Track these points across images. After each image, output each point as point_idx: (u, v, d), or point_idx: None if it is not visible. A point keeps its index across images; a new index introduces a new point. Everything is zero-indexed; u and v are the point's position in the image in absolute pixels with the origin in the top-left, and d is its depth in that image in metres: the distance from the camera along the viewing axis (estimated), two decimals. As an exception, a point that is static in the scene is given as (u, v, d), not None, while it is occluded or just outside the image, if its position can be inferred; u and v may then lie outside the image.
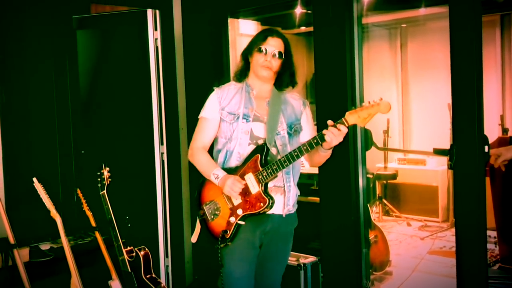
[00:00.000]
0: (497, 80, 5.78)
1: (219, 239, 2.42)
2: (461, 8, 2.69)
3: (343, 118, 2.25)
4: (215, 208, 2.46)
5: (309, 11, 5.12)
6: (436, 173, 5.74)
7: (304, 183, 4.38)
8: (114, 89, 4.02)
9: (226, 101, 2.50)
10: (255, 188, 2.36)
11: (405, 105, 6.61)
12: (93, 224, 3.33)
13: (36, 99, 3.85)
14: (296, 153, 2.30)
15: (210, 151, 2.56)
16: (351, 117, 2.23)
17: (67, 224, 3.25)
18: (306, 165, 4.29)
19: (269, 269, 2.59)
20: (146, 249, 3.38)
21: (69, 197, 3.89)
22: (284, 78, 2.52)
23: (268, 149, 2.39)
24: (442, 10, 5.28)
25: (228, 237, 2.40)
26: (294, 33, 6.36)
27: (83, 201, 3.34)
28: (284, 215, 2.49)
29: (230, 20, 4.07)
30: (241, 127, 2.45)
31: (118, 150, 3.97)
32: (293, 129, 2.52)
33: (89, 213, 3.34)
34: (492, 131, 3.84)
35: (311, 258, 3.38)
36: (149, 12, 3.83)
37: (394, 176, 5.70)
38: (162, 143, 3.90)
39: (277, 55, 2.47)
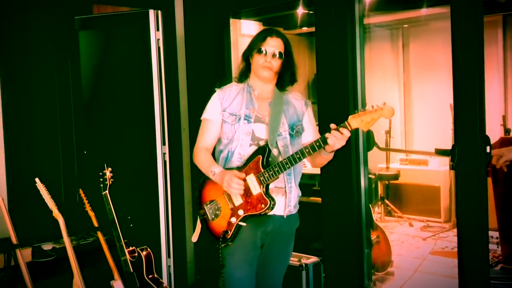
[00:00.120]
0: (499, 80, 5.76)
1: (220, 239, 2.42)
2: (463, 8, 2.69)
3: (346, 122, 2.23)
4: (216, 208, 2.46)
5: (311, 12, 5.10)
6: (438, 173, 5.73)
7: (306, 184, 4.37)
8: (116, 90, 4.02)
9: (228, 102, 2.50)
10: (256, 189, 2.35)
11: (407, 105, 6.59)
12: (95, 224, 3.34)
13: (38, 100, 3.86)
14: (298, 156, 2.30)
15: (213, 152, 2.56)
16: (354, 121, 2.22)
17: (69, 224, 3.26)
18: (308, 166, 4.31)
19: (271, 269, 2.59)
20: (148, 249, 3.39)
21: (72, 197, 3.90)
22: (285, 78, 2.51)
23: (269, 150, 2.38)
24: (444, 10, 5.26)
25: (229, 237, 2.40)
26: (296, 33, 6.35)
27: (85, 201, 3.34)
28: (285, 216, 2.48)
29: (232, 21, 4.08)
30: (243, 128, 2.44)
31: (120, 151, 3.97)
32: (295, 130, 2.51)
33: (91, 214, 3.34)
34: (494, 132, 3.82)
35: (313, 259, 3.37)
36: (151, 12, 3.84)
37: (396, 177, 5.70)
38: (164, 144, 3.91)
39: (277, 55, 2.45)
